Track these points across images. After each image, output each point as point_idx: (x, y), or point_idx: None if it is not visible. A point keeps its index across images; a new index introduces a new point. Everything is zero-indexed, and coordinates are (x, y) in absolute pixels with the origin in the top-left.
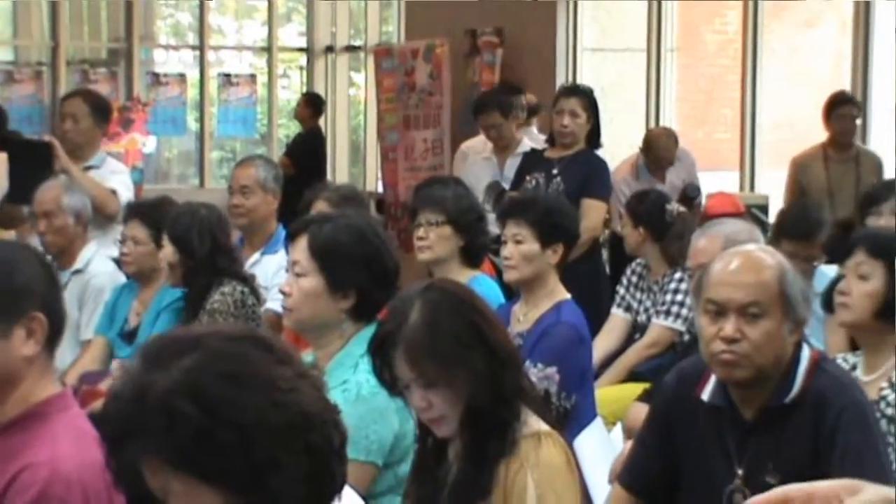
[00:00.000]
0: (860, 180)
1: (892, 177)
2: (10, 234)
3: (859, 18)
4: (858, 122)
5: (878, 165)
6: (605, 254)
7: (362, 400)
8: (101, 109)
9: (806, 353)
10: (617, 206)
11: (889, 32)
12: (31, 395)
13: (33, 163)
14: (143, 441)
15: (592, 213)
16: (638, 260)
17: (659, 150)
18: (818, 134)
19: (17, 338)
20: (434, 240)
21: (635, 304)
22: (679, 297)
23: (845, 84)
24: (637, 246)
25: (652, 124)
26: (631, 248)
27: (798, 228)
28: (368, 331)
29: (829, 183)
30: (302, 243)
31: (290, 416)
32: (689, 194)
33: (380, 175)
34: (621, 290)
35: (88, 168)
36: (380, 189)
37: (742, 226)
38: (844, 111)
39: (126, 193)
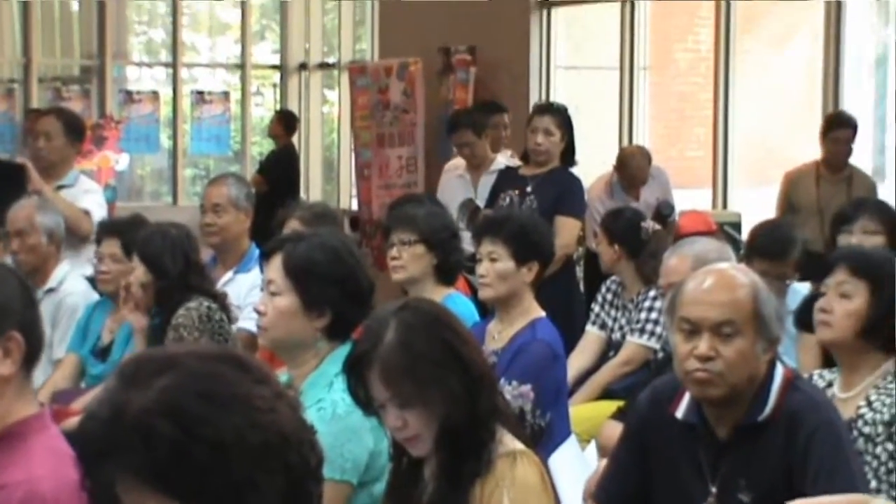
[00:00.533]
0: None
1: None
2: None
3: (830, 34)
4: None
5: (870, 187)
6: (579, 271)
7: (337, 419)
8: (75, 128)
9: (779, 372)
10: (591, 223)
11: (861, 48)
12: (7, 416)
13: (6, 184)
14: (119, 460)
15: (566, 231)
16: (613, 278)
17: (632, 168)
18: (791, 150)
19: None
20: (407, 259)
21: (610, 322)
22: (654, 315)
23: (817, 100)
24: (612, 263)
25: (625, 142)
26: (606, 265)
27: (770, 247)
28: (343, 350)
29: (819, 202)
30: (277, 262)
31: (268, 436)
32: (663, 212)
33: (354, 192)
34: (596, 308)
35: (61, 187)
36: (354, 206)
37: (712, 245)
38: (839, 135)
39: (99, 212)
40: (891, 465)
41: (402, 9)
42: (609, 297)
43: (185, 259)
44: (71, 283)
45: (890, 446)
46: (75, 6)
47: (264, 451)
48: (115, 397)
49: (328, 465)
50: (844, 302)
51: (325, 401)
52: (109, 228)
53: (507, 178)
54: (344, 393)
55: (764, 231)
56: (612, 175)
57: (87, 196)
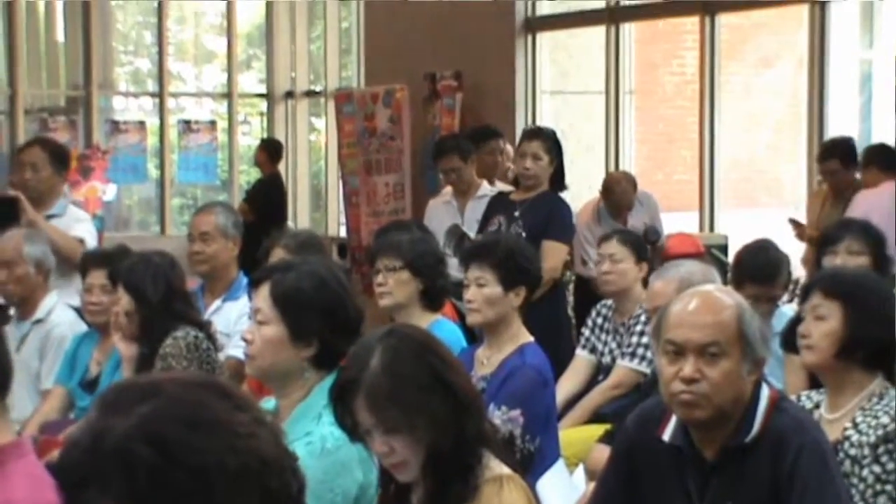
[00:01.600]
0: None
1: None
2: None
3: (814, 57)
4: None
5: None
6: (569, 296)
7: (327, 453)
8: (60, 157)
9: (765, 393)
10: (579, 249)
11: (845, 71)
12: None
13: (1, 218)
14: (100, 487)
15: (553, 255)
16: (603, 301)
17: (617, 193)
18: (776, 173)
19: None
20: (393, 285)
21: (600, 346)
22: (644, 340)
23: (802, 122)
24: (633, 283)
25: (611, 166)
26: (622, 286)
27: (760, 271)
28: (331, 380)
29: (819, 223)
30: (264, 291)
31: (248, 461)
32: (650, 238)
33: (342, 220)
34: (586, 332)
35: (51, 217)
36: (342, 233)
37: (697, 267)
38: (826, 167)
39: (92, 242)
40: (877, 487)
41: (387, 36)
42: (599, 321)
43: (167, 287)
44: (59, 314)
45: (876, 468)
46: (61, 36)
47: (244, 475)
48: (96, 425)
49: (318, 500)
50: (820, 324)
51: (314, 434)
52: (97, 259)
53: (499, 203)
54: (333, 426)
55: (751, 255)
56: (599, 201)
57: (79, 225)
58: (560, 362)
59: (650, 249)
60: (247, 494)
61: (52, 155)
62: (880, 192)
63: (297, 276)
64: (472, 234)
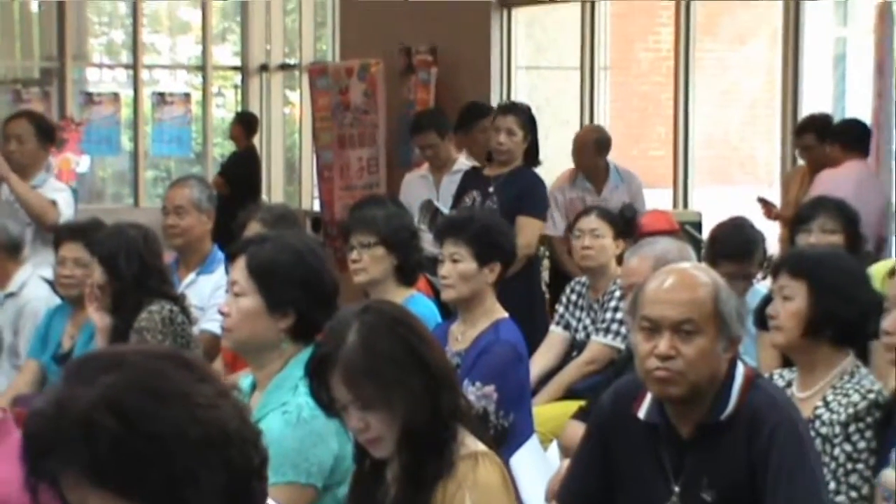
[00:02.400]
0: None
1: None
2: None
3: (789, 34)
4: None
5: None
6: (545, 273)
7: (302, 423)
8: (46, 131)
9: (740, 371)
10: (551, 212)
11: (819, 48)
12: None
13: None
14: (62, 456)
15: (527, 231)
16: (577, 279)
17: (586, 157)
18: (750, 150)
19: None
20: (368, 262)
21: (574, 322)
22: (619, 315)
23: (776, 99)
24: (609, 259)
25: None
26: (602, 261)
27: (736, 249)
28: (307, 352)
29: (797, 201)
30: (241, 263)
31: (209, 431)
32: (626, 214)
33: (316, 194)
34: (560, 309)
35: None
36: (316, 208)
37: (673, 244)
38: (805, 141)
39: (67, 210)
40: (849, 466)
41: (362, 10)
42: (574, 297)
43: (140, 260)
44: (32, 288)
45: (847, 447)
46: (35, 7)
47: (205, 445)
48: (60, 394)
49: (293, 469)
50: (787, 304)
51: (290, 404)
52: (70, 231)
53: (472, 178)
54: (309, 397)
55: (726, 233)
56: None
57: (57, 194)
58: (535, 340)
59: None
60: (208, 465)
61: (38, 128)
62: (844, 172)
63: (274, 248)
64: (446, 210)
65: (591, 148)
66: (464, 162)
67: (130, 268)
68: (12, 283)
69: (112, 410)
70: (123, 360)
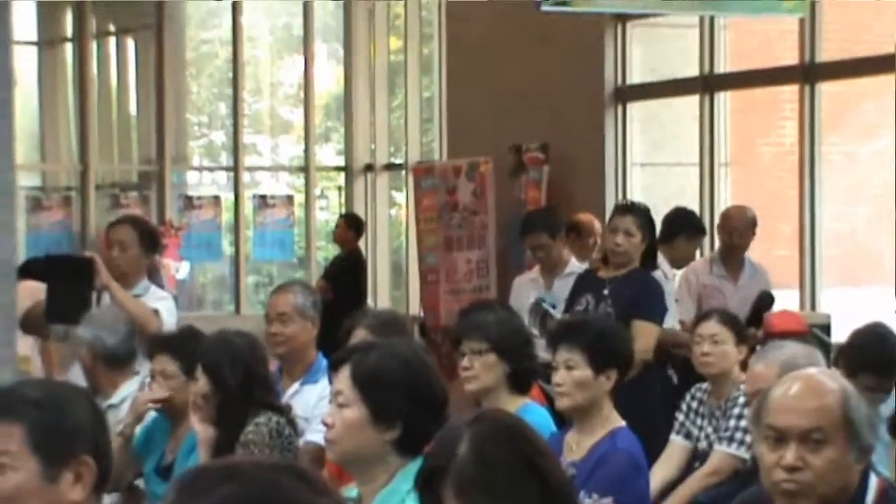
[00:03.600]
0: None
1: None
2: (28, 340)
3: None
4: None
5: None
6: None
7: None
8: (149, 237)
9: (873, 482)
10: (681, 298)
11: None
12: None
13: (75, 280)
14: None
15: (644, 336)
16: (698, 385)
17: (734, 222)
18: (879, 248)
19: (65, 482)
20: (479, 369)
21: (696, 431)
22: (743, 423)
23: None
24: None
25: (706, 241)
26: (722, 368)
27: (879, 360)
28: (415, 465)
29: None
30: (345, 372)
31: None
32: (765, 301)
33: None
34: (680, 417)
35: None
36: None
37: (801, 349)
38: None
39: (169, 318)
40: None
41: (471, 106)
42: (695, 404)
43: (246, 370)
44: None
45: None
46: (133, 109)
47: None
48: None
49: None
50: None
51: None
52: (162, 343)
53: (586, 280)
54: None
55: (867, 342)
56: (714, 254)
57: (159, 302)
58: (654, 449)
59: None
60: None
61: (141, 234)
62: None
63: (379, 355)
64: (556, 312)
65: (748, 224)
66: (575, 264)
67: (236, 377)
68: (116, 394)
69: None
70: (238, 471)
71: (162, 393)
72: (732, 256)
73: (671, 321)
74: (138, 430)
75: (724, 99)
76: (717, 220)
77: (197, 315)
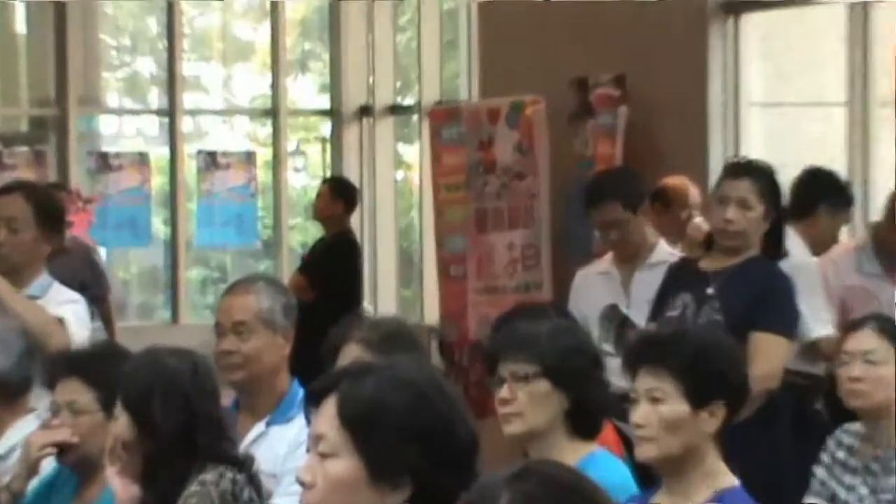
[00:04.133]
0: None
1: None
2: None
3: None
4: None
5: None
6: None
7: None
8: (50, 213)
9: None
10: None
11: None
12: None
13: None
14: None
15: (768, 354)
16: (846, 425)
17: None
18: None
19: None
20: (525, 402)
21: (843, 493)
22: None
23: None
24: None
25: (859, 213)
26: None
27: None
28: None
29: None
30: (329, 410)
31: None
32: None
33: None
34: (819, 472)
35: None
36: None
37: None
38: None
39: (81, 332)
40: None
41: (512, 24)
42: (841, 455)
43: (185, 406)
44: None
45: None
46: (22, 28)
47: None
48: None
49: None
50: None
51: None
52: (67, 365)
53: (681, 275)
54: None
55: None
56: (865, 239)
57: (66, 307)
58: None
59: None
60: None
61: (38, 209)
62: None
63: (378, 384)
64: (640, 321)
65: None
66: (665, 249)
67: (170, 416)
68: (2, 440)
69: None
70: None
71: (65, 434)
72: (894, 245)
73: (821, 328)
74: (32, 485)
75: (883, 9)
76: (872, 185)
77: (119, 326)
